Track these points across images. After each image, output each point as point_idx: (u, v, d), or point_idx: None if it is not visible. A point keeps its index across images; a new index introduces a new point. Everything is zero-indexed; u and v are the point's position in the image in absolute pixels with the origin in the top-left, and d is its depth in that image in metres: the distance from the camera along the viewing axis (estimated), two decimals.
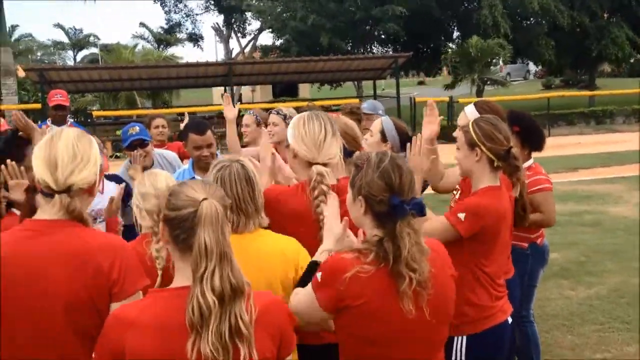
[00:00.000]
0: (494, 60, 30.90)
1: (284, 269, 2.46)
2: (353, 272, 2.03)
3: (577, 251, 7.90)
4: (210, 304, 1.71)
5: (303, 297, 2.19)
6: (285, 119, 4.47)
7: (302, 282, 2.32)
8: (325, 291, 2.10)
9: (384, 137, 3.82)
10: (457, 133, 3.16)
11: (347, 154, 3.02)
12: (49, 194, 2.06)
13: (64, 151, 2.07)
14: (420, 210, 2.12)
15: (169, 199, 1.86)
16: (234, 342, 1.74)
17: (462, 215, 2.90)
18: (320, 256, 2.35)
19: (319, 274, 2.15)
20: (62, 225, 2.07)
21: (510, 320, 3.03)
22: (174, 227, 1.83)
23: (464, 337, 2.93)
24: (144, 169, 4.76)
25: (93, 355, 1.88)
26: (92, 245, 2.06)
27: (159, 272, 2.69)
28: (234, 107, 4.51)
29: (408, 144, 3.22)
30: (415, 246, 2.07)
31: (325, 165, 2.72)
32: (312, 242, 2.58)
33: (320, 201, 2.64)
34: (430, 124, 3.31)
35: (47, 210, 2.09)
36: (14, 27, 49.89)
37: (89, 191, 2.14)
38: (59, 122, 6.70)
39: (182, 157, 5.60)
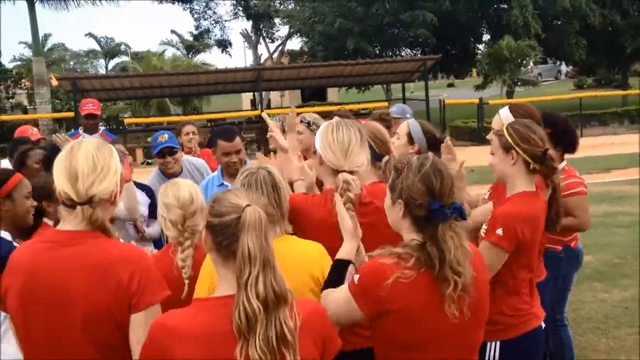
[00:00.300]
0: (524, 61, 30.57)
1: (308, 271, 2.46)
2: (394, 278, 2.04)
3: (612, 253, 7.76)
4: (255, 310, 1.72)
5: (338, 299, 2.19)
6: (309, 126, 4.48)
7: (330, 283, 2.32)
8: (366, 296, 2.10)
9: (410, 140, 3.80)
10: (491, 136, 3.12)
11: (377, 157, 3.00)
12: (71, 205, 2.07)
13: (84, 162, 2.07)
14: (461, 214, 2.12)
15: (212, 206, 1.87)
16: (279, 349, 1.74)
17: (500, 231, 2.81)
18: (342, 254, 2.36)
19: (356, 277, 2.15)
20: (84, 237, 2.08)
21: (543, 325, 2.99)
22: (217, 234, 1.84)
23: (497, 343, 2.89)
24: (173, 175, 4.81)
25: None
26: (113, 257, 2.05)
27: (186, 282, 2.72)
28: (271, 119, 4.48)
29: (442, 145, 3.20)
30: (459, 249, 2.07)
31: (351, 172, 2.70)
32: (338, 249, 2.57)
33: (347, 209, 2.61)
34: (450, 162, 3.27)
35: (70, 221, 2.10)
36: (47, 36, 50.81)
37: (111, 201, 2.15)
38: (91, 130, 6.80)
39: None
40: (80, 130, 6.94)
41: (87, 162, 2.07)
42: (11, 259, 2.17)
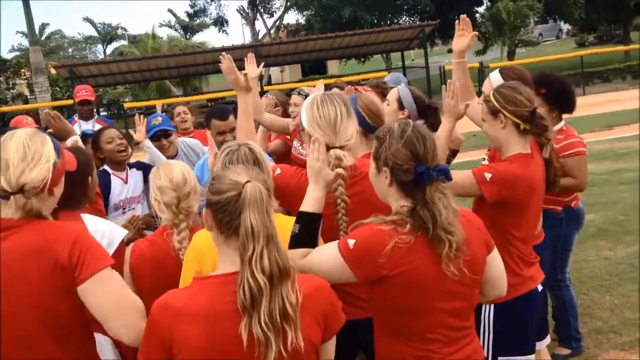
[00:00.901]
0: (524, 22, 30.22)
1: None
2: (393, 244, 2.06)
3: (616, 210, 7.73)
4: (261, 285, 1.72)
5: (328, 261, 2.19)
6: (306, 98, 4.45)
7: (300, 241, 2.30)
8: (363, 263, 2.11)
9: (400, 105, 3.79)
10: (480, 101, 3.10)
11: (370, 129, 2.98)
12: (5, 195, 2.03)
13: (14, 152, 2.03)
14: (446, 175, 2.15)
15: (212, 184, 1.86)
16: (282, 324, 1.75)
17: (488, 176, 2.83)
18: (309, 204, 2.34)
19: (351, 241, 2.14)
20: (20, 225, 2.03)
21: (540, 287, 2.99)
22: (218, 211, 1.83)
23: (492, 306, 2.91)
24: (169, 158, 4.81)
25: (140, 345, 1.87)
26: (50, 238, 2.02)
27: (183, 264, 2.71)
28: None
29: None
30: (449, 209, 2.10)
31: (342, 147, 2.68)
32: (329, 225, 2.58)
33: (338, 185, 2.62)
34: (462, 38, 3.26)
35: (4, 212, 2.06)
36: (44, 25, 50.64)
37: (47, 190, 2.09)
38: (86, 117, 6.79)
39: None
40: (76, 117, 6.92)
41: (18, 151, 2.03)
42: None
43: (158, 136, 4.92)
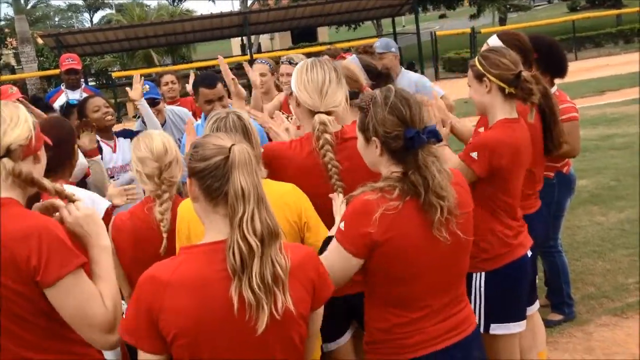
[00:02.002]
0: None
1: (285, 216, 2.42)
2: (381, 212, 2.03)
3: (608, 176, 7.72)
4: (252, 247, 1.69)
5: (330, 254, 2.16)
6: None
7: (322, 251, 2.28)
8: (355, 236, 2.07)
9: None
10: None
11: (351, 95, 2.93)
12: None
13: None
14: (435, 136, 2.12)
15: (195, 151, 1.81)
16: (272, 287, 1.72)
17: (474, 154, 2.83)
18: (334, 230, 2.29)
19: (341, 224, 2.12)
20: None
21: (530, 253, 2.98)
22: (205, 178, 1.78)
23: (483, 274, 2.91)
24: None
25: (123, 316, 1.82)
26: (10, 234, 1.89)
27: (164, 235, 2.66)
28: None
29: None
30: (441, 173, 2.08)
31: (329, 113, 2.64)
32: (320, 191, 2.56)
33: (326, 150, 2.59)
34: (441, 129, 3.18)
35: None
36: None
37: (32, 153, 2.02)
38: (73, 86, 6.70)
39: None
40: (63, 87, 6.82)
41: None
42: None
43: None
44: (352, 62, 3.73)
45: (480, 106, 3.01)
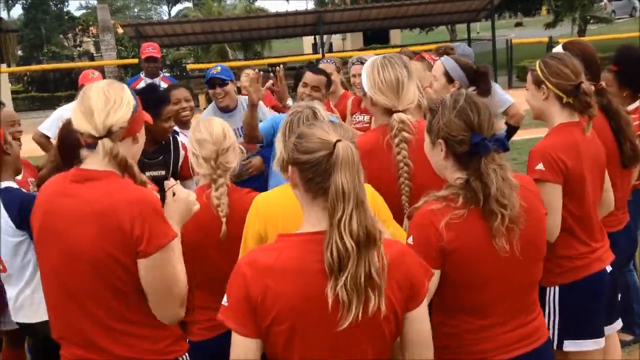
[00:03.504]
0: None
1: None
2: (446, 221, 2.01)
3: None
4: (348, 248, 1.68)
5: None
6: None
7: None
8: (425, 249, 2.04)
9: (449, 78, 3.70)
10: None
11: None
12: (92, 143, 2.08)
13: (96, 99, 2.08)
14: (502, 146, 2.09)
15: (299, 142, 1.80)
16: (366, 289, 1.71)
17: (540, 166, 2.71)
18: None
19: (409, 240, 2.10)
20: (98, 177, 2.09)
21: (609, 269, 2.87)
22: (307, 171, 1.77)
23: (556, 288, 2.83)
24: (226, 109, 4.80)
25: (223, 304, 1.81)
26: (118, 202, 2.05)
27: (223, 220, 2.69)
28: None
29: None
30: (503, 182, 2.04)
31: (404, 111, 2.65)
32: (393, 185, 2.58)
33: (401, 148, 2.60)
34: None
35: (91, 161, 2.12)
36: None
37: (131, 135, 2.15)
38: (152, 74, 6.85)
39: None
40: (142, 75, 6.99)
41: (100, 97, 2.08)
42: (37, 196, 2.24)
43: (213, 83, 4.86)
44: (447, 63, 3.72)
45: (536, 111, 2.95)
